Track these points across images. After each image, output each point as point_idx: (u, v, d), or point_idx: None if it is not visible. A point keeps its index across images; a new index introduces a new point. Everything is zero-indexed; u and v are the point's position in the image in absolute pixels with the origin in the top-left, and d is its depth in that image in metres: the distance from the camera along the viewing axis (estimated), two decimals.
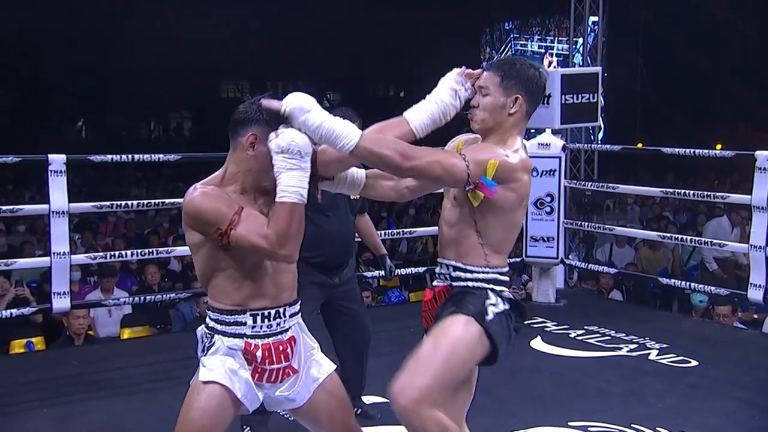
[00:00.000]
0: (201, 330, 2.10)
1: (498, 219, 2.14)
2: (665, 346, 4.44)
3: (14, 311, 4.28)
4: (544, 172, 5.41)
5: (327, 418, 2.15)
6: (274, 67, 22.60)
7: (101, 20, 17.73)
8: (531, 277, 5.76)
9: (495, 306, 2.14)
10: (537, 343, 4.55)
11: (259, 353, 2.03)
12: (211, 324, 2.06)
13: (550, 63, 5.79)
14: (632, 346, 4.45)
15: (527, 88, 2.15)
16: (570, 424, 3.34)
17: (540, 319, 5.03)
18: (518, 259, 5.77)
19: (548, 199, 5.42)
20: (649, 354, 4.32)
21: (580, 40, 9.58)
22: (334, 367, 2.19)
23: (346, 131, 1.93)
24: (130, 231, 8.70)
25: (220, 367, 2.01)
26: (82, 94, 19.50)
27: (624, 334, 4.67)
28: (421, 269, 5.84)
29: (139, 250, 4.62)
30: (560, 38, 18.79)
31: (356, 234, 3.45)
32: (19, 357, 4.65)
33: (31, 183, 11.21)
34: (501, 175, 2.05)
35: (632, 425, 3.32)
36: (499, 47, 20.20)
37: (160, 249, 5.02)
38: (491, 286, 2.15)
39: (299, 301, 2.12)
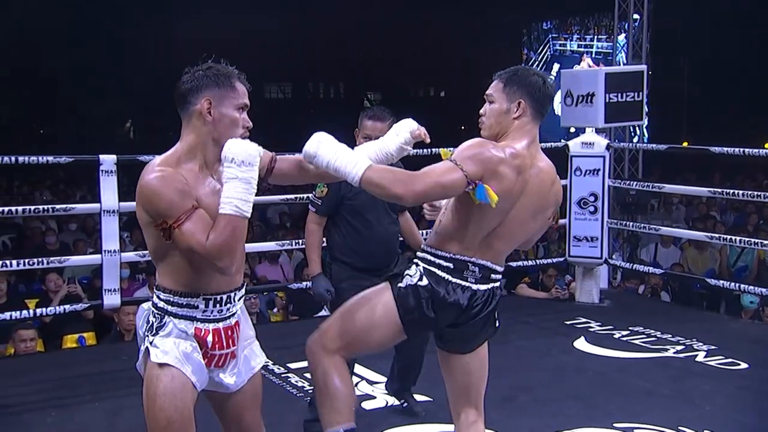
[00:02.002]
0: (147, 309, 2.05)
1: (467, 207, 2.19)
2: (713, 347, 4.36)
3: (67, 307, 4.42)
4: (588, 172, 5.37)
5: (238, 407, 2.14)
6: (316, 68, 22.80)
7: (147, 25, 18.12)
8: (574, 277, 5.71)
9: (411, 277, 2.23)
10: (581, 344, 4.52)
11: (209, 338, 2.01)
12: (161, 304, 2.00)
13: (588, 65, 5.67)
14: (679, 348, 4.38)
15: (530, 93, 2.23)
16: (615, 425, 3.31)
17: (584, 320, 4.99)
18: (561, 259, 5.74)
19: (592, 198, 5.37)
20: (697, 355, 4.26)
21: (622, 38, 9.44)
22: (264, 359, 2.19)
23: (351, 166, 2.09)
24: None
25: (174, 349, 1.98)
26: (130, 96, 19.96)
27: (670, 335, 4.60)
28: None
29: None
30: (600, 36, 18.53)
31: (399, 233, 3.43)
32: (72, 351, 4.78)
33: (82, 182, 11.49)
34: (484, 165, 2.12)
35: (680, 427, 3.28)
36: (537, 48, 20.02)
37: None
38: (418, 261, 2.25)
39: (245, 284, 2.12)
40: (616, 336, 4.64)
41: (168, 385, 1.95)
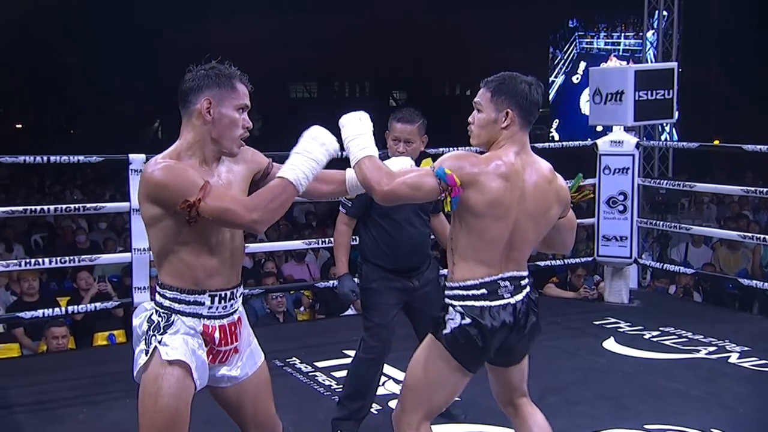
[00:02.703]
0: (150, 308, 2.05)
1: (465, 225, 2.21)
2: (747, 349, 4.29)
3: (98, 305, 4.47)
4: (617, 170, 5.31)
5: (253, 402, 2.16)
6: (342, 68, 22.85)
7: (176, 25, 18.30)
8: (603, 277, 5.64)
9: (453, 321, 2.22)
10: (610, 344, 4.47)
11: (216, 335, 2.03)
12: (167, 303, 2.01)
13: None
14: (711, 349, 4.32)
15: (517, 102, 2.22)
16: (646, 426, 3.27)
17: (613, 320, 4.93)
18: (590, 259, 5.69)
19: (621, 197, 5.31)
20: (730, 357, 4.19)
21: (650, 35, 9.29)
22: (263, 355, 2.22)
23: (358, 150, 2.14)
24: None
25: (184, 346, 1.98)
26: (159, 96, 20.20)
27: (702, 336, 4.53)
28: None
29: None
30: (627, 34, 18.31)
31: (431, 235, 3.39)
32: (102, 349, 4.85)
33: (111, 182, 11.64)
34: (461, 177, 2.14)
35: (712, 430, 3.23)
36: (563, 46, 19.85)
37: None
38: (451, 301, 2.24)
39: (241, 283, 2.14)
40: (647, 336, 4.58)
41: (173, 385, 1.96)
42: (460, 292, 2.22)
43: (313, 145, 1.99)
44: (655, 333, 4.64)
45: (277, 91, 23.50)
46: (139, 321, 2.07)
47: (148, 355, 2.00)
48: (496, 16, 19.38)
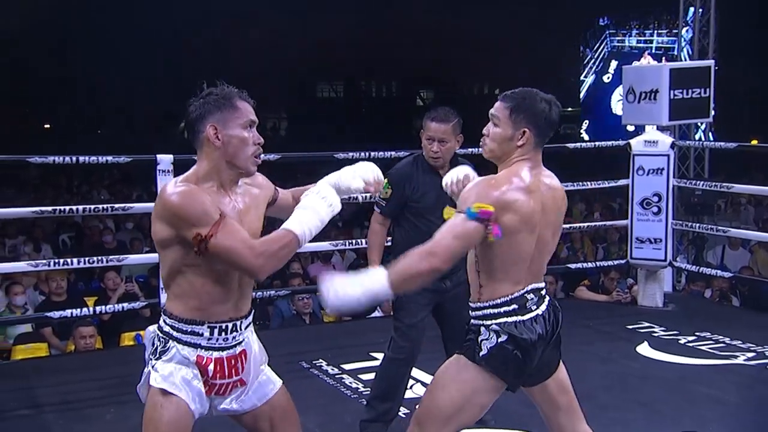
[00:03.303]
0: (154, 331, 2.05)
1: (493, 246, 2.14)
2: None
3: (125, 305, 4.48)
4: (651, 171, 5.20)
5: (271, 429, 2.13)
6: (368, 68, 22.85)
7: (203, 27, 18.45)
8: (636, 280, 5.52)
9: (488, 341, 2.17)
10: (644, 349, 4.36)
11: (211, 367, 2.00)
12: (167, 329, 2.01)
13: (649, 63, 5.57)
14: (749, 355, 4.20)
15: (535, 122, 2.20)
16: None
17: (647, 324, 4.82)
18: (623, 261, 5.56)
19: (655, 198, 5.19)
20: None
21: (685, 33, 9.09)
22: (281, 382, 2.18)
23: (377, 286, 2.04)
24: None
25: (175, 375, 1.98)
26: (186, 97, 20.40)
27: (740, 342, 4.41)
28: None
29: None
30: (659, 31, 18.01)
31: None
32: (129, 349, 4.84)
33: (138, 182, 11.74)
34: (491, 204, 2.09)
35: None
36: (594, 45, 19.61)
37: None
38: (483, 321, 2.20)
39: (253, 311, 2.10)
40: (682, 341, 4.47)
41: (173, 415, 1.95)
42: (491, 311, 2.19)
43: (322, 205, 2.00)
44: (690, 338, 4.52)
45: (303, 91, 23.60)
46: (146, 343, 2.08)
47: (144, 377, 2.02)
48: (525, 14, 19.25)
